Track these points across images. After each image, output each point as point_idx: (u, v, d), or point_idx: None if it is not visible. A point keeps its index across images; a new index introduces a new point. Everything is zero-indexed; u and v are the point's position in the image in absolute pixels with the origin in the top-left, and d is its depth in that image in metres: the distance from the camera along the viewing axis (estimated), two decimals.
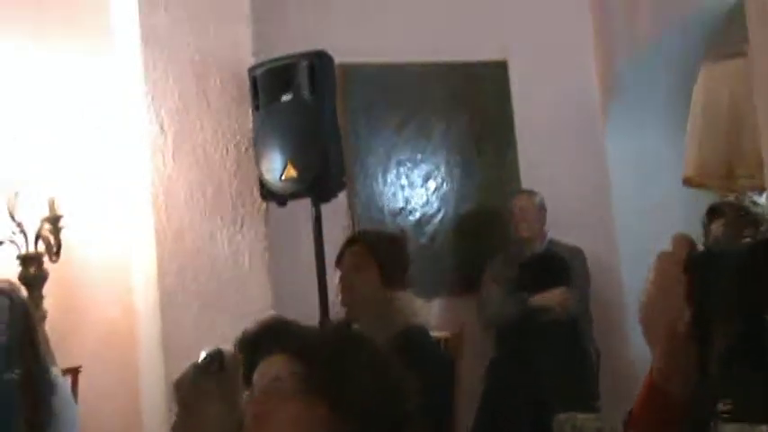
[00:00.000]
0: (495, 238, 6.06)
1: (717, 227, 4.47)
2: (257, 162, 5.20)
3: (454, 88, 6.18)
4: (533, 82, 6.34)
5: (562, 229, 6.01)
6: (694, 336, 1.36)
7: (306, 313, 5.04)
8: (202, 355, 2.94)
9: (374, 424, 1.95)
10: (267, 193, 5.21)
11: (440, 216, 6.08)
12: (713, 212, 4.55)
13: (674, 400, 1.36)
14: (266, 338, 2.05)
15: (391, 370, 2.04)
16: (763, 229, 3.95)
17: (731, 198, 3.92)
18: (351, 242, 4.14)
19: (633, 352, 6.20)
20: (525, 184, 6.23)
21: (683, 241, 1.40)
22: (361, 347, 2.06)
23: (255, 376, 2.02)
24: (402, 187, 6.02)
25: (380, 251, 4.01)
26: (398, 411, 2.00)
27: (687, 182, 3.30)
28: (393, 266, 3.98)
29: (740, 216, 4.09)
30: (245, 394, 2.03)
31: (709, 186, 3.55)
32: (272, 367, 2.01)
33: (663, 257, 1.40)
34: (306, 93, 5.05)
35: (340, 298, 4.02)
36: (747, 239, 3.36)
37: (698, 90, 3.28)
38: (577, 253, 5.90)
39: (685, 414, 1.35)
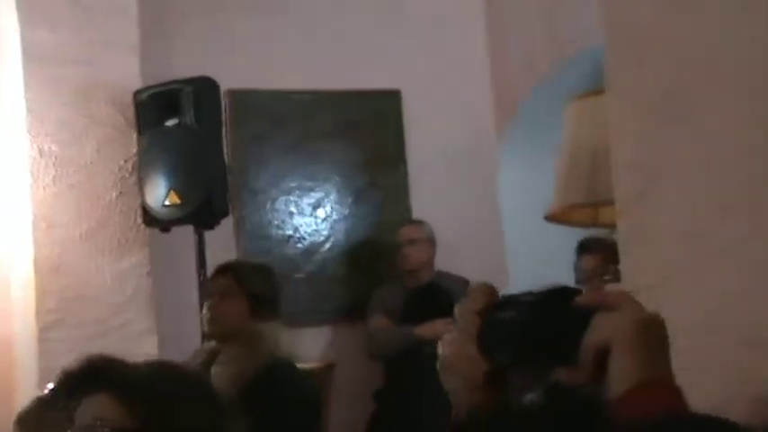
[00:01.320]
0: (383, 268, 6.03)
1: (585, 262, 4.51)
2: (140, 187, 5.14)
3: (346, 116, 6.16)
4: (427, 111, 6.34)
5: (452, 261, 6.01)
6: (492, 385, 1.34)
7: (188, 341, 5.00)
8: (49, 387, 2.84)
9: None
10: (150, 219, 5.14)
11: (328, 245, 6.04)
12: (582, 248, 4.60)
13: None
14: (89, 377, 1.98)
15: (220, 412, 2.00)
16: None
17: (601, 234, 3.96)
18: (219, 272, 4.09)
19: None
20: (416, 213, 6.22)
21: (482, 290, 1.38)
22: (189, 389, 2.01)
23: (77, 416, 1.96)
24: (291, 215, 5.97)
25: (249, 281, 3.97)
26: None
27: (550, 218, 3.31)
28: (262, 297, 3.94)
29: (609, 251, 4.12)
30: None
31: (572, 223, 3.57)
32: (94, 407, 1.95)
33: (461, 306, 1.38)
34: (190, 118, 5.01)
35: (206, 329, 3.97)
36: (607, 278, 3.39)
37: (565, 127, 3.30)
38: (464, 284, 5.88)
39: None
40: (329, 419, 4.17)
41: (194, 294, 5.10)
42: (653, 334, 1.24)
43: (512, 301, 1.34)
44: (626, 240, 2.52)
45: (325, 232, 6.05)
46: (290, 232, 5.96)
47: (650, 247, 2.44)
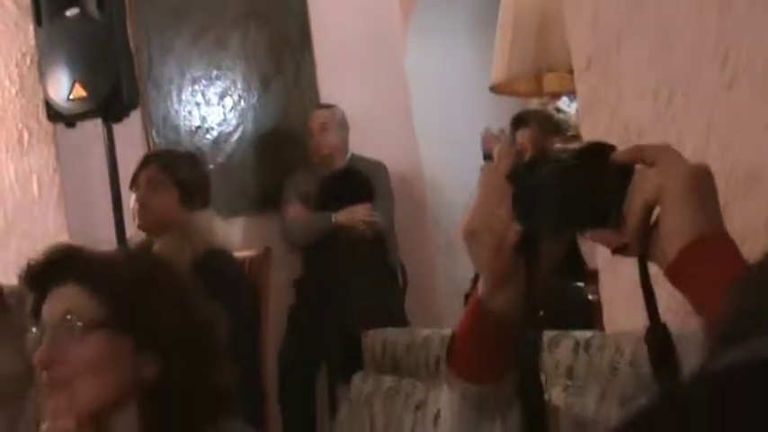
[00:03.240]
0: (296, 155, 5.90)
1: (522, 135, 4.46)
2: (42, 81, 4.91)
3: (250, 1, 5.95)
4: None
5: (364, 144, 5.91)
6: (522, 251, 1.25)
7: (102, 237, 4.83)
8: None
9: (181, 358, 1.81)
10: (54, 113, 4.92)
11: (238, 134, 5.87)
12: (518, 121, 4.53)
13: (501, 321, 1.25)
14: (55, 268, 1.86)
15: (195, 300, 1.89)
16: (569, 134, 3.95)
17: (535, 106, 3.89)
18: (146, 162, 3.95)
19: (438, 265, 6.20)
20: (324, 98, 6.09)
21: (507, 151, 1.29)
22: (162, 276, 1.90)
23: (44, 312, 1.84)
24: (198, 105, 5.77)
25: (177, 170, 3.83)
26: (205, 344, 1.86)
27: (495, 89, 3.22)
28: (191, 186, 3.81)
29: (545, 124, 4.08)
30: (33, 331, 1.85)
31: (517, 93, 3.48)
32: (64, 301, 1.83)
33: (486, 170, 1.28)
34: (93, 7, 4.78)
35: (137, 221, 3.83)
36: (556, 146, 3.32)
37: None
38: (379, 167, 5.80)
39: (512, 335, 1.24)
40: (267, 306, 4.09)
41: (106, 191, 4.92)
42: (704, 184, 1.17)
43: (542, 160, 1.25)
44: (587, 102, 2.45)
45: (233, 121, 5.88)
46: (198, 123, 5.77)
47: (614, 108, 2.37)
